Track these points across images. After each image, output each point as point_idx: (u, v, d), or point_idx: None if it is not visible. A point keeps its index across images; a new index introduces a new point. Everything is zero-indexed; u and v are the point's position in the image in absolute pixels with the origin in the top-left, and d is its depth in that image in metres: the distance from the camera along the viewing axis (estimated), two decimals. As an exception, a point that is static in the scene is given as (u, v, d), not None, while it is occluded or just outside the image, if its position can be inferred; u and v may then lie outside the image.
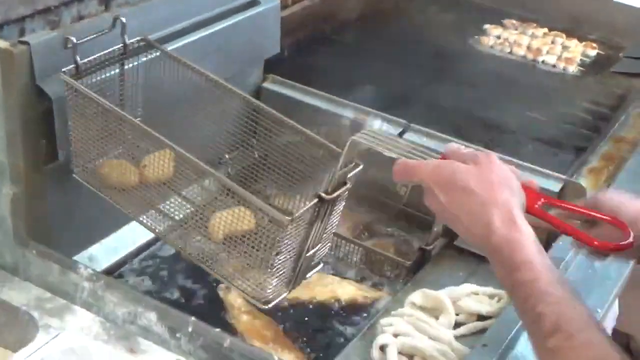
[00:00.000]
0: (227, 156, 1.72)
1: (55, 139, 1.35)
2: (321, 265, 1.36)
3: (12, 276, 1.41)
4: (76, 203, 1.49)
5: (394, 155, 1.17)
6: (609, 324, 1.78)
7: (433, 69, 2.32)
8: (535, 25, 2.60)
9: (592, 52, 2.48)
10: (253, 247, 1.26)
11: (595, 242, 1.15)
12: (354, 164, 1.26)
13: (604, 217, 1.20)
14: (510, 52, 2.47)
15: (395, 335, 1.38)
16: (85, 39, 1.34)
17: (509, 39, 2.51)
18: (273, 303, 1.28)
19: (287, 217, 1.20)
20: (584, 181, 1.77)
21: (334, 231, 1.35)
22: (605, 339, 0.98)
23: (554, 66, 2.41)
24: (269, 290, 1.27)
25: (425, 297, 1.48)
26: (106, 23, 1.42)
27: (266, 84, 1.89)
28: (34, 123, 1.33)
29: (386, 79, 2.21)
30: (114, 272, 1.56)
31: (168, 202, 1.36)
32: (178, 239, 1.34)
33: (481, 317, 1.48)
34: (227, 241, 1.30)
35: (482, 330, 1.42)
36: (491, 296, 1.51)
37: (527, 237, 1.04)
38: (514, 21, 2.62)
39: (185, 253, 1.33)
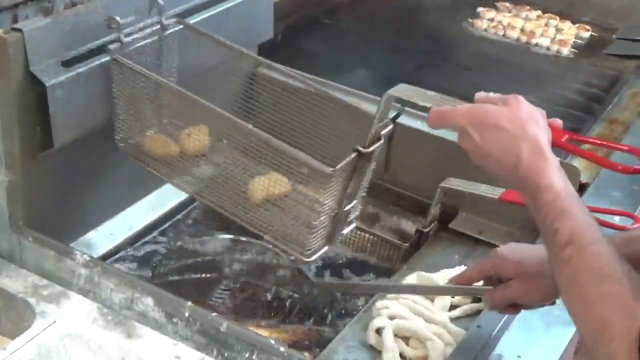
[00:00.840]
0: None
1: (50, 126, 1.35)
2: (355, 223, 1.43)
3: (9, 263, 1.42)
4: (72, 190, 1.49)
5: (428, 105, 1.22)
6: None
7: (426, 52, 2.32)
8: (528, 7, 2.60)
9: (586, 34, 2.49)
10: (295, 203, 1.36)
11: (619, 167, 1.23)
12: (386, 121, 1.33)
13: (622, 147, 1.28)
14: (504, 35, 2.47)
15: (391, 318, 1.38)
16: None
17: (503, 22, 2.51)
18: (315, 257, 1.35)
19: (329, 168, 1.26)
20: (578, 163, 1.78)
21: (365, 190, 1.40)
22: (613, 251, 1.05)
23: (547, 48, 2.42)
24: (311, 245, 1.33)
25: (421, 280, 1.48)
26: (100, 9, 1.42)
27: (259, 69, 1.88)
28: (28, 110, 1.33)
29: (379, 62, 2.22)
30: (110, 258, 1.56)
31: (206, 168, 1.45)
32: (217, 198, 1.40)
33: (476, 299, 1.48)
34: (265, 203, 1.38)
35: (477, 312, 1.43)
36: None
37: (552, 164, 1.11)
38: (507, 4, 2.62)
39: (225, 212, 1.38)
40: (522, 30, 2.47)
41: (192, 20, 1.59)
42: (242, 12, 1.71)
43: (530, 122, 1.13)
